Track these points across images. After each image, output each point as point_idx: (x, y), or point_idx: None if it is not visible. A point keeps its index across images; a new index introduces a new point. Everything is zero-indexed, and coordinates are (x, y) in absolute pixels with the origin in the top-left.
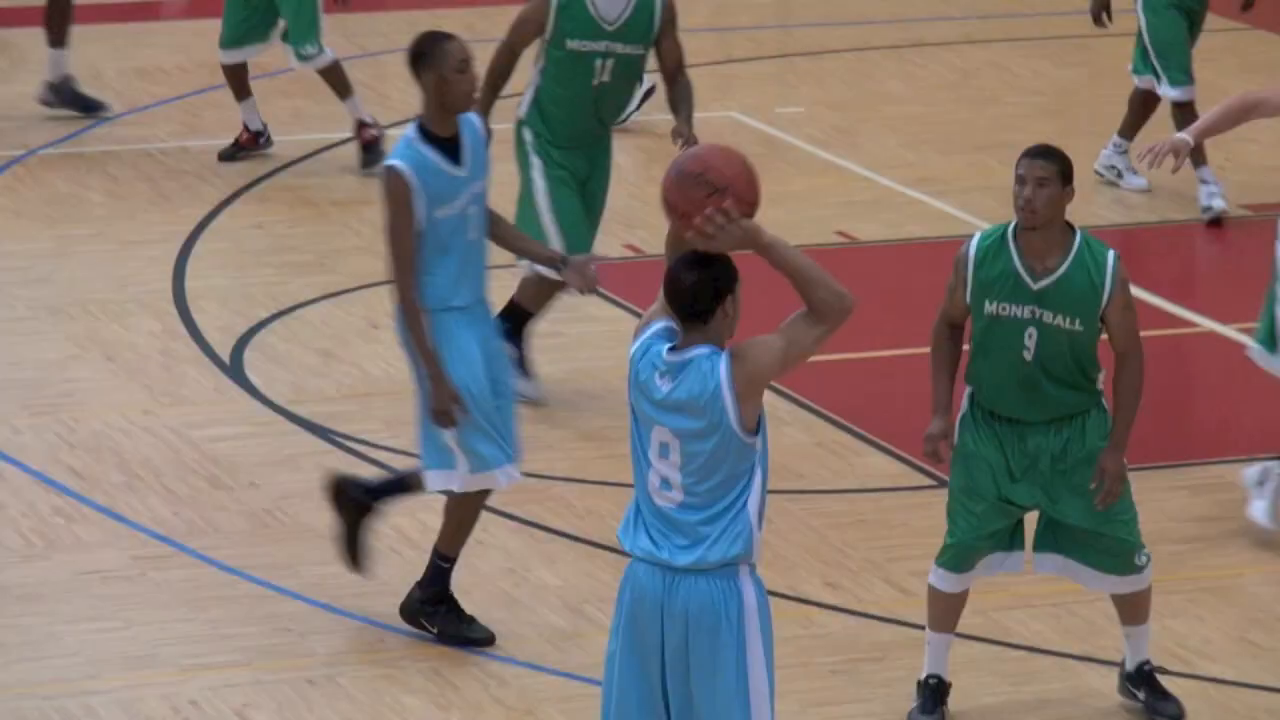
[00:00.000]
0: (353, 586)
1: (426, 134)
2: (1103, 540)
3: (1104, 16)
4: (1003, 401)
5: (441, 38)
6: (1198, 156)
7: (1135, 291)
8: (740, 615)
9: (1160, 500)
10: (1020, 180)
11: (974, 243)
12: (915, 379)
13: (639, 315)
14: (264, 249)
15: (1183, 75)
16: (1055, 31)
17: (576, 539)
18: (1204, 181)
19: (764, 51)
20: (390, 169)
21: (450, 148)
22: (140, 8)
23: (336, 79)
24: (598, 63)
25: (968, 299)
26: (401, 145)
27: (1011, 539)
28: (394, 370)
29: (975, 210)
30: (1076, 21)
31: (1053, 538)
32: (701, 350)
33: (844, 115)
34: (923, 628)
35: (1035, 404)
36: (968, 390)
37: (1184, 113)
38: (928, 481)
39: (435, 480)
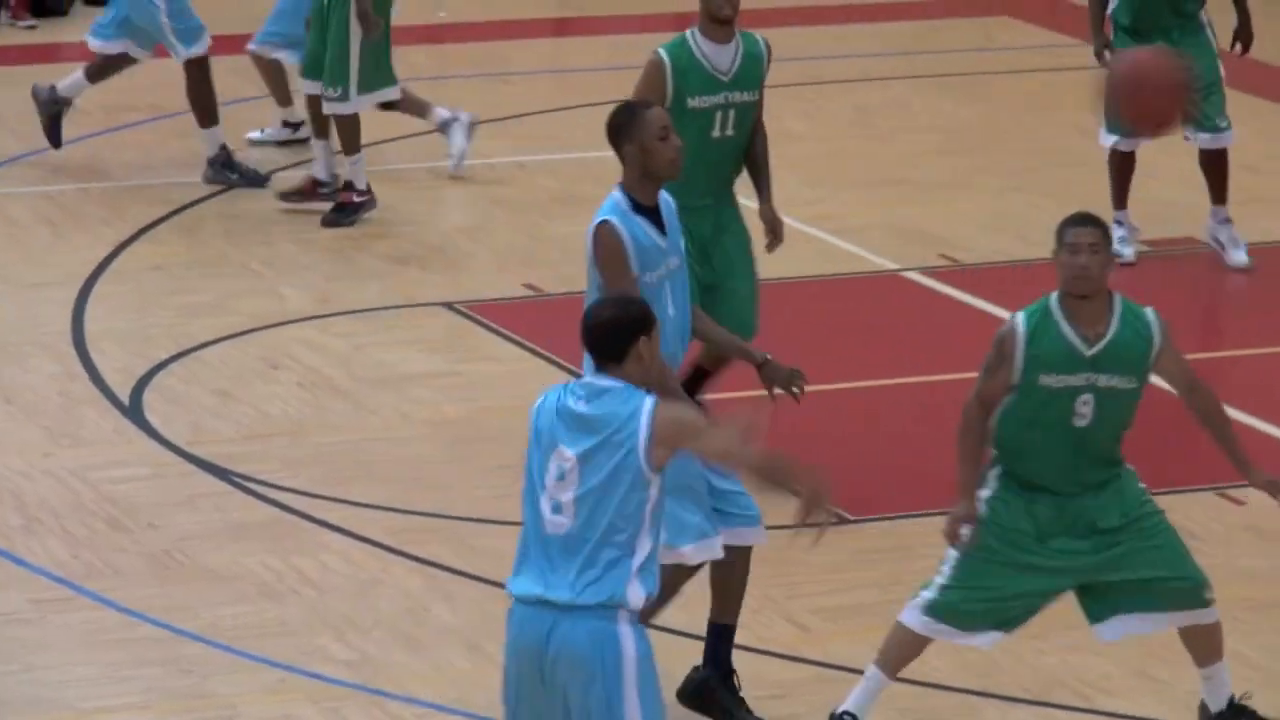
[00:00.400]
0: (253, 628)
1: (632, 201)
2: (1170, 583)
3: (1106, 54)
4: (1046, 473)
5: (639, 106)
6: (1120, 197)
7: None
8: (618, 666)
9: None
10: (1072, 249)
11: (1020, 320)
12: (813, 416)
13: (538, 355)
14: (163, 290)
15: (1110, 122)
16: (955, 69)
17: (476, 578)
18: (1118, 224)
19: None
20: (604, 223)
21: (654, 217)
22: (40, 50)
23: (345, 132)
24: (718, 115)
25: (1015, 378)
26: (610, 205)
27: (1004, 621)
28: (292, 410)
29: (873, 247)
30: (976, 59)
31: (1111, 602)
32: (620, 383)
33: None
34: (823, 665)
35: (1079, 470)
36: (997, 470)
37: (1122, 160)
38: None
39: (694, 554)
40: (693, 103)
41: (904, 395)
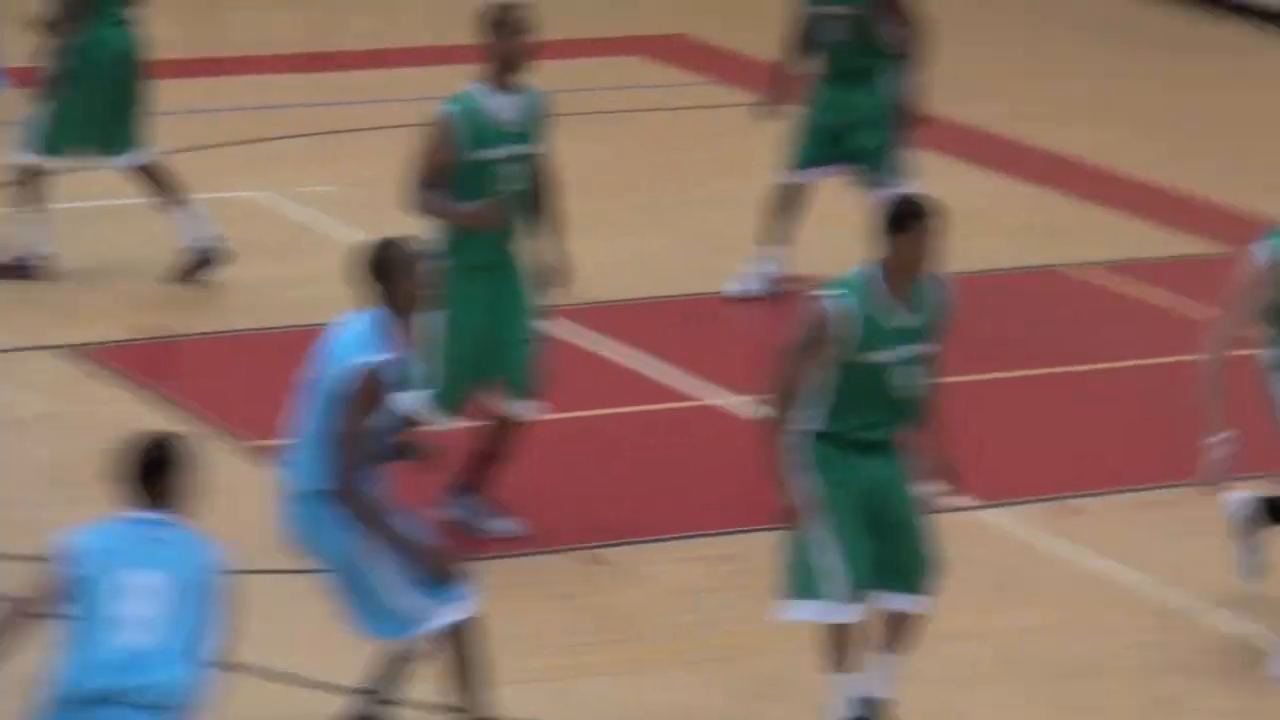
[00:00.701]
0: None
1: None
2: (921, 549)
3: (770, 111)
4: (866, 439)
5: (397, 244)
6: (775, 232)
7: (643, 363)
8: None
9: (669, 572)
10: (927, 231)
11: (833, 298)
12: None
13: (152, 398)
14: None
15: (794, 159)
16: (588, 108)
17: None
18: (761, 259)
19: (296, 130)
20: (375, 372)
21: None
22: None
23: (24, 188)
24: (506, 168)
25: (836, 355)
26: (376, 340)
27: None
28: None
29: None
30: (610, 98)
31: (879, 572)
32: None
33: (373, 192)
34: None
35: (892, 434)
36: (814, 445)
37: (790, 195)
38: None
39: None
40: (481, 156)
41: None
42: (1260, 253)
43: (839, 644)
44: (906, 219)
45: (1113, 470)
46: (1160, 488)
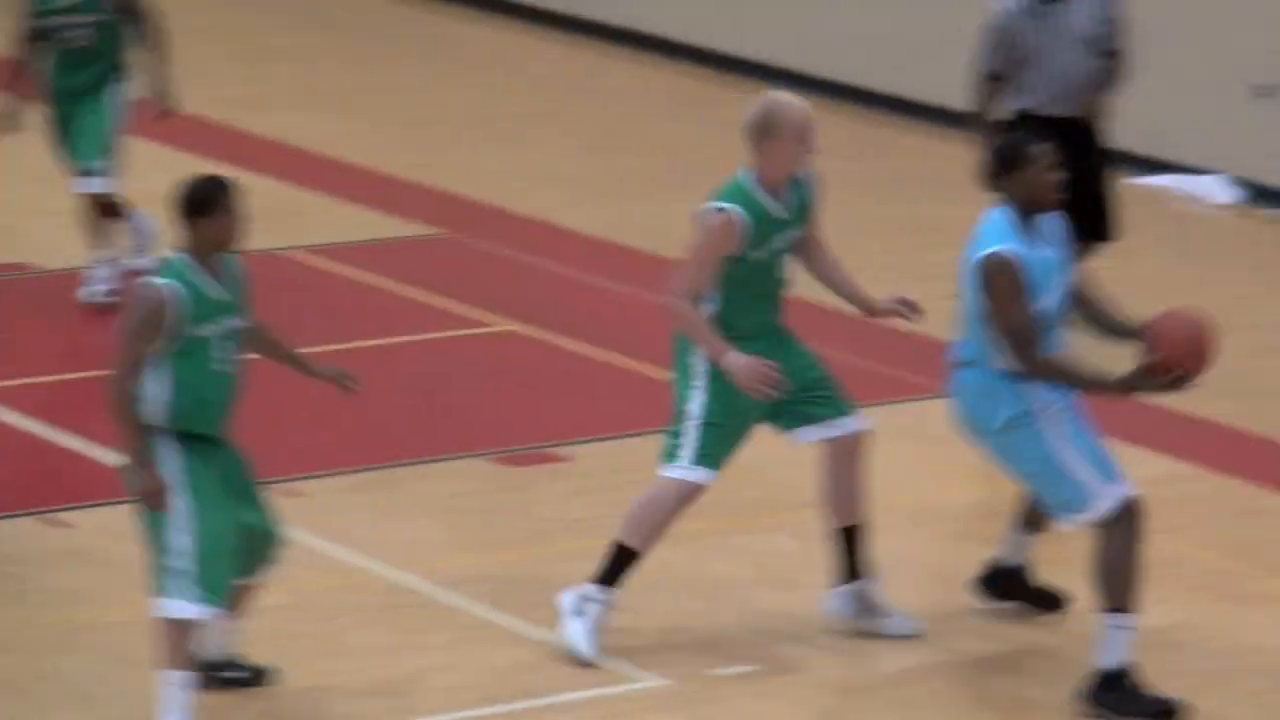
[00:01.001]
0: None
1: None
2: (273, 525)
3: (14, 113)
4: (213, 421)
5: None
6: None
7: None
8: None
9: None
10: (224, 213)
11: (165, 282)
12: None
13: None
14: None
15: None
16: None
17: None
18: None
19: None
20: None
21: None
22: None
23: None
24: None
25: (174, 336)
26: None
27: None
28: None
29: None
30: None
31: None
32: None
33: None
34: None
35: (229, 415)
36: (160, 433)
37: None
38: None
39: None
40: None
41: None
42: (714, 210)
43: (182, 642)
44: (204, 202)
45: (328, 453)
46: (374, 469)
